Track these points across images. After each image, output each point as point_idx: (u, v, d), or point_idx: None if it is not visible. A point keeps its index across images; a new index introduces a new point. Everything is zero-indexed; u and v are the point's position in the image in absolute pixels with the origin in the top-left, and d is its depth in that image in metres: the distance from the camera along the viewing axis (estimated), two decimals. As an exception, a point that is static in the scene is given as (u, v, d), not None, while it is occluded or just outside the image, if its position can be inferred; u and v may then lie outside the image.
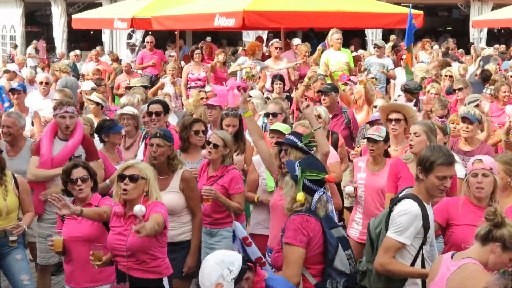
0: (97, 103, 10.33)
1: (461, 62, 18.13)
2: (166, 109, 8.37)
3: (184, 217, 6.58)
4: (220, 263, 4.21)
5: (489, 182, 5.47)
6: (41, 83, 11.75)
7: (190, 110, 10.29)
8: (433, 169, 4.92)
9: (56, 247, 5.92)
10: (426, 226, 4.93)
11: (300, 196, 5.02)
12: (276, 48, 13.45)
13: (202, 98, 10.42)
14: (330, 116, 9.38)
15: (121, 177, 5.48)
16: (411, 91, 10.15)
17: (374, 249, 5.07)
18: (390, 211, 5.04)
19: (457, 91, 10.76)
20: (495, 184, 5.53)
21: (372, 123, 8.40)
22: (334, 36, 13.24)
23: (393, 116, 7.59)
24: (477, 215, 5.20)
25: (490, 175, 5.50)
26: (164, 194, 6.27)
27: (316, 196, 5.02)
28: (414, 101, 9.91)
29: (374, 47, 15.23)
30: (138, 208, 5.34)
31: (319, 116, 8.16)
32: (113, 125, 8.00)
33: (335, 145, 8.20)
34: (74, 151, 7.46)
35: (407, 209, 4.90)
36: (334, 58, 13.12)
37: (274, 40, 14.00)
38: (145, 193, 5.51)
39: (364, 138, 7.34)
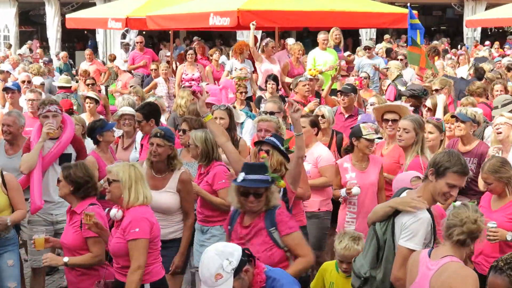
0: (96, 101, 10.43)
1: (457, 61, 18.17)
2: (148, 115, 8.15)
3: (177, 216, 6.62)
4: (220, 254, 4.21)
5: None
6: (23, 82, 11.74)
7: (179, 112, 10.10)
8: (445, 174, 4.82)
9: (38, 245, 5.97)
10: (434, 232, 4.91)
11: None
12: (273, 47, 13.51)
13: (194, 98, 10.39)
14: (346, 116, 9.48)
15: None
16: (418, 97, 9.94)
17: (379, 257, 4.98)
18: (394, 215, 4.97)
19: (434, 92, 10.39)
20: None
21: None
22: (320, 36, 13.32)
23: (390, 116, 7.62)
24: None
25: None
26: (160, 193, 6.38)
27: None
28: (416, 107, 9.71)
29: (365, 49, 15.27)
30: (113, 214, 5.46)
31: (322, 116, 8.23)
32: (105, 124, 8.00)
33: (339, 146, 8.25)
34: (63, 149, 7.52)
35: (418, 214, 4.82)
36: (321, 57, 13.17)
37: (268, 39, 14.00)
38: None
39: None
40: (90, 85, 12.74)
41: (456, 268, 4.34)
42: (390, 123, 7.59)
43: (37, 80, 12.41)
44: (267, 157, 5.90)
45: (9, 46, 26.27)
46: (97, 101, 10.54)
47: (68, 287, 6.07)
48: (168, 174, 6.55)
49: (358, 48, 16.19)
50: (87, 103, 10.54)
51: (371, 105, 9.70)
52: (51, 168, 7.49)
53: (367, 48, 15.37)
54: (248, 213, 5.29)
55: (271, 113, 8.33)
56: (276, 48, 14.08)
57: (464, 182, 4.96)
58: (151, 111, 8.22)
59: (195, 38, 22.46)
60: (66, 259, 5.77)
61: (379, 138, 7.45)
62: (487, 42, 24.86)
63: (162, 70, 14.62)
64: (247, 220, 5.29)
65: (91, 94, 10.81)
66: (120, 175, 5.45)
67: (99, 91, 14.81)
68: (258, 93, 12.26)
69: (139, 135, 8.51)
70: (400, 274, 4.80)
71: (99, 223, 5.63)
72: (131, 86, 12.80)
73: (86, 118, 9.90)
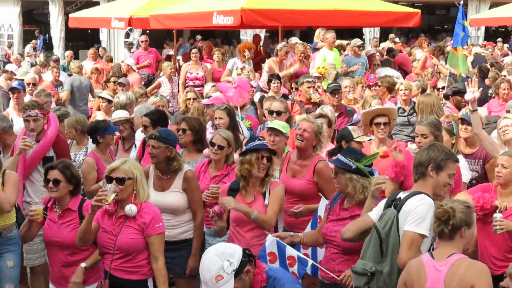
0: (109, 101, 10.51)
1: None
2: (156, 122, 7.92)
3: (186, 216, 6.58)
4: (220, 255, 4.24)
5: (447, 189, 5.57)
6: (28, 84, 11.77)
7: (183, 109, 10.38)
8: (446, 166, 5.06)
9: (39, 216, 5.91)
10: None
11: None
12: (286, 53, 13.49)
13: (189, 99, 10.46)
14: (336, 114, 9.48)
15: (109, 179, 5.51)
16: (462, 93, 9.96)
17: (383, 250, 5.02)
18: (396, 209, 5.06)
19: (441, 89, 10.62)
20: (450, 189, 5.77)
21: (353, 125, 8.43)
22: (330, 35, 13.28)
23: (381, 119, 7.51)
24: None
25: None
26: (167, 194, 6.41)
27: (376, 175, 5.52)
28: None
29: (359, 47, 15.12)
30: (128, 208, 5.45)
31: (326, 116, 8.21)
32: (108, 126, 7.99)
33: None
34: (44, 153, 7.54)
35: (422, 199, 4.95)
36: (331, 56, 13.16)
37: (282, 44, 13.98)
38: (134, 191, 5.54)
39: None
40: (116, 83, 13.12)
41: (469, 263, 4.45)
42: (382, 126, 7.45)
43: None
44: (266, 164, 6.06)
45: (10, 46, 26.29)
46: (109, 101, 10.64)
47: (59, 285, 6.01)
48: (172, 174, 6.53)
49: (348, 47, 16.01)
50: (100, 102, 10.75)
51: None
52: (35, 170, 7.56)
53: (361, 46, 15.26)
54: (349, 198, 5.59)
55: (278, 113, 8.37)
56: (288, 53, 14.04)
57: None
58: (159, 118, 8.01)
59: (197, 37, 22.47)
60: (83, 264, 5.79)
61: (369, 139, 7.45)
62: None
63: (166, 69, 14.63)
64: (347, 203, 5.62)
65: (104, 94, 10.96)
66: (134, 173, 5.51)
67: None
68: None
69: (138, 134, 8.48)
70: (407, 257, 4.84)
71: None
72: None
73: (102, 116, 10.02)
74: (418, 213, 4.89)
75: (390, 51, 18.45)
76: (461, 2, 12.42)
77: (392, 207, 5.10)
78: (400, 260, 4.89)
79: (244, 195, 6.14)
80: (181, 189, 6.51)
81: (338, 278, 5.40)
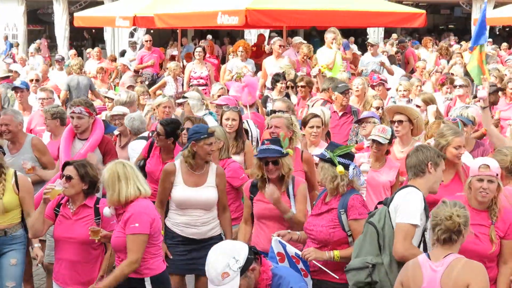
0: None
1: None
2: (170, 134, 7.65)
3: (214, 212, 6.63)
4: (226, 252, 4.27)
5: (494, 188, 5.44)
6: (31, 80, 11.76)
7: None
8: (441, 163, 5.25)
9: (52, 195, 5.87)
10: (427, 213, 5.02)
11: (340, 168, 5.43)
12: (280, 46, 13.46)
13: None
14: (340, 114, 9.41)
15: None
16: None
17: (380, 244, 5.08)
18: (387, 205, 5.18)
19: (458, 87, 10.67)
20: (498, 189, 5.50)
21: (360, 121, 8.41)
22: (328, 35, 13.28)
23: (396, 117, 7.52)
24: (474, 218, 5.17)
25: (495, 181, 5.45)
26: (203, 189, 6.48)
27: (351, 168, 5.46)
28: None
29: (367, 45, 15.14)
30: (105, 211, 5.66)
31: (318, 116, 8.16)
32: (106, 126, 7.98)
33: None
34: (92, 151, 7.45)
35: (409, 192, 5.07)
36: (327, 56, 13.16)
37: (276, 38, 14.01)
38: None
39: (368, 139, 7.33)
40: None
41: (464, 262, 4.46)
42: (396, 124, 7.48)
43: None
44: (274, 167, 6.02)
45: (17, 45, 26.33)
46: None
47: (65, 285, 5.99)
48: (205, 169, 6.57)
49: (351, 47, 15.93)
50: (106, 102, 10.81)
51: (377, 108, 9.61)
52: None
53: (370, 45, 15.23)
54: (330, 192, 5.59)
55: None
56: (284, 47, 14.05)
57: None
58: (174, 130, 7.77)
59: (208, 36, 22.47)
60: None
61: (379, 142, 7.35)
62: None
63: (173, 69, 14.63)
64: (328, 197, 5.61)
65: (110, 94, 10.99)
66: (104, 176, 5.54)
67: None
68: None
69: (133, 144, 8.36)
70: (407, 245, 4.95)
71: (107, 235, 5.72)
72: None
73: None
74: (407, 204, 5.01)
75: (401, 42, 18.48)
76: (485, 1, 12.02)
77: (383, 204, 5.23)
78: (396, 252, 4.97)
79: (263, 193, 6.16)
80: (215, 184, 6.57)
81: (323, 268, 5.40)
